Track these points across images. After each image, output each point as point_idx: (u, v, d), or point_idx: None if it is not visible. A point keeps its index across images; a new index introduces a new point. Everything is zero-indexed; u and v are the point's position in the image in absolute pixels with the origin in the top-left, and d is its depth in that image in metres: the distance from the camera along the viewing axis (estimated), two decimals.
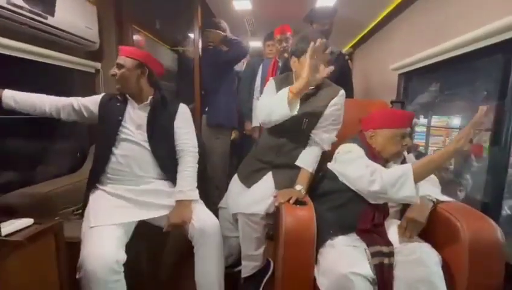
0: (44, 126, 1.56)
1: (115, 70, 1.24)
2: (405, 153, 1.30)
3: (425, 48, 1.53)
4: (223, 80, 2.14)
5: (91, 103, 1.29)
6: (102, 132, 1.27)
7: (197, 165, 1.33)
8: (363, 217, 1.10)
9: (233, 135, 2.16)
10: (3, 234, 0.59)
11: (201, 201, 1.30)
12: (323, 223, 1.09)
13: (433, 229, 1.07)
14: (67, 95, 1.33)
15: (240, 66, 2.55)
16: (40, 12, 1.30)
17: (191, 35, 2.31)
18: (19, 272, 0.64)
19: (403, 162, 1.27)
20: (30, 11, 1.25)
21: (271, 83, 1.40)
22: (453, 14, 1.45)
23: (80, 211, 1.28)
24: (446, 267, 0.95)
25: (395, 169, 1.02)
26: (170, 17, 2.47)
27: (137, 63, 1.24)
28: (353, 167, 1.10)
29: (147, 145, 1.24)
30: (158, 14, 2.47)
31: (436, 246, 1.01)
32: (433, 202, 1.09)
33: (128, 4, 1.96)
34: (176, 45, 2.65)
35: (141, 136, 1.25)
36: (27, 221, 0.70)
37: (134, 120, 1.26)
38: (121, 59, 1.23)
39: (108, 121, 1.25)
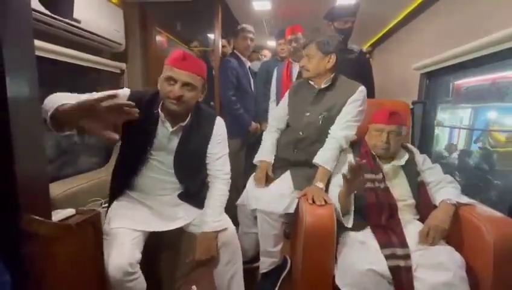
0: None
1: (179, 90, 0.99)
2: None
3: (450, 47, 1.49)
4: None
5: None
6: (130, 146, 1.14)
7: (228, 193, 1.27)
8: (371, 211, 1.14)
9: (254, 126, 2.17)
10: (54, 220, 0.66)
11: None
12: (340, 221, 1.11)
13: (455, 232, 1.06)
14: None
15: (256, 65, 2.55)
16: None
17: (211, 36, 2.36)
18: (65, 257, 0.70)
19: (410, 161, 1.25)
20: None
21: (285, 97, 1.52)
22: (482, 12, 1.39)
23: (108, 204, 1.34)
24: (469, 271, 0.94)
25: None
26: (191, 18, 2.53)
27: (203, 82, 1.05)
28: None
29: (172, 171, 1.17)
30: (179, 16, 2.54)
31: (458, 249, 1.00)
32: (455, 205, 1.08)
33: (152, 6, 2.03)
34: (196, 45, 2.72)
35: (169, 163, 1.16)
36: (70, 211, 0.77)
37: (165, 145, 1.14)
38: (189, 77, 0.99)
39: (136, 139, 1.10)
